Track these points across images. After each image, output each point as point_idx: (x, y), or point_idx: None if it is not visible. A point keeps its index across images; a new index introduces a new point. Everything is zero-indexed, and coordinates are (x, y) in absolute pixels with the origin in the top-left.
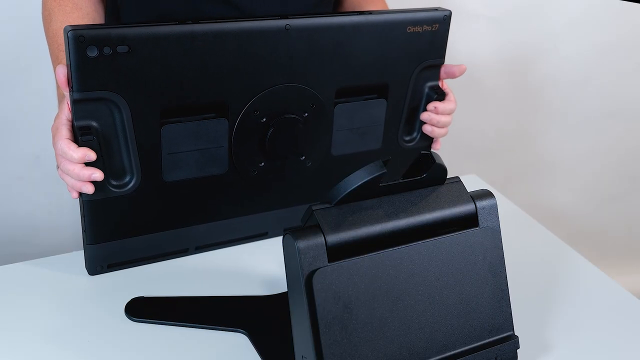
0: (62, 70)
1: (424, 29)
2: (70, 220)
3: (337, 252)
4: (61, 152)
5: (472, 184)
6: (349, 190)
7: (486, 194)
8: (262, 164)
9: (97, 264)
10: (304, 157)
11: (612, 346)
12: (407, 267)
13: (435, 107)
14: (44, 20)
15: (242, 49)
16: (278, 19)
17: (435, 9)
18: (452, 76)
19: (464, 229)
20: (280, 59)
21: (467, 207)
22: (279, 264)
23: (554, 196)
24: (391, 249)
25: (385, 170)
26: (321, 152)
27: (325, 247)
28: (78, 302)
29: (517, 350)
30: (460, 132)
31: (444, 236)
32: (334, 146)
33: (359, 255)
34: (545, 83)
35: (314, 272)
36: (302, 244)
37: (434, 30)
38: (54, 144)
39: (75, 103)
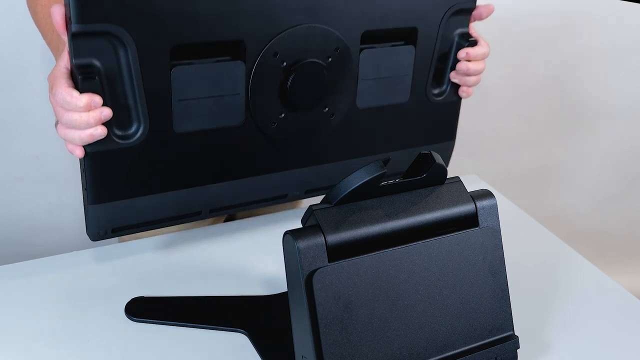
0: (59, 10)
1: None
2: (70, 220)
3: (337, 252)
4: (62, 102)
5: (472, 184)
6: (349, 190)
7: (486, 194)
8: (282, 114)
9: (100, 228)
10: (327, 109)
11: (612, 346)
12: (407, 267)
13: (467, 53)
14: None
15: None
16: None
17: None
18: (479, 18)
19: (464, 229)
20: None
21: (467, 207)
22: (279, 264)
23: (553, 196)
24: (391, 249)
25: (385, 170)
26: (345, 103)
27: (325, 247)
28: (78, 302)
29: (517, 350)
30: (460, 132)
31: (444, 236)
32: (359, 97)
33: (359, 255)
34: (545, 83)
35: (314, 272)
36: (302, 244)
37: None
38: (52, 94)
39: (74, 38)
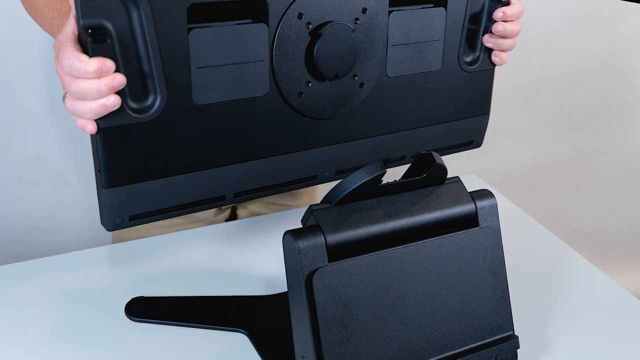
0: None
1: None
2: (70, 220)
3: (337, 252)
4: (70, 69)
5: (472, 184)
6: (349, 190)
7: (486, 194)
8: (309, 83)
9: (116, 215)
10: (356, 77)
11: (612, 346)
12: (407, 267)
13: (503, 13)
14: None
15: None
16: None
17: None
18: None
19: (464, 229)
20: None
21: (467, 207)
22: (279, 264)
23: (553, 196)
24: (391, 249)
25: (385, 170)
26: (375, 71)
27: (325, 247)
28: (78, 302)
29: (517, 350)
30: None
31: (444, 236)
32: (389, 65)
33: (359, 255)
34: (545, 83)
35: (314, 272)
36: (302, 244)
37: None
38: (58, 62)
39: None
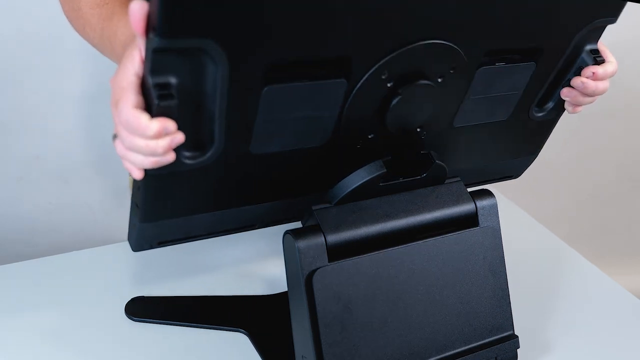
0: (140, 7)
1: None
2: (70, 220)
3: (337, 252)
4: (127, 125)
5: None
6: (349, 189)
7: (486, 194)
8: (372, 135)
9: (145, 242)
10: (420, 129)
11: (612, 346)
12: (407, 267)
13: (593, 73)
14: None
15: None
16: None
17: None
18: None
19: (464, 229)
20: (428, 7)
21: (467, 207)
22: (279, 264)
23: (554, 196)
24: (391, 248)
25: (386, 170)
26: (443, 123)
27: (325, 247)
28: (78, 302)
29: (517, 350)
30: None
31: (444, 236)
32: (459, 116)
33: (359, 255)
34: None
35: (314, 271)
36: (302, 243)
37: None
38: (116, 110)
39: (156, 53)
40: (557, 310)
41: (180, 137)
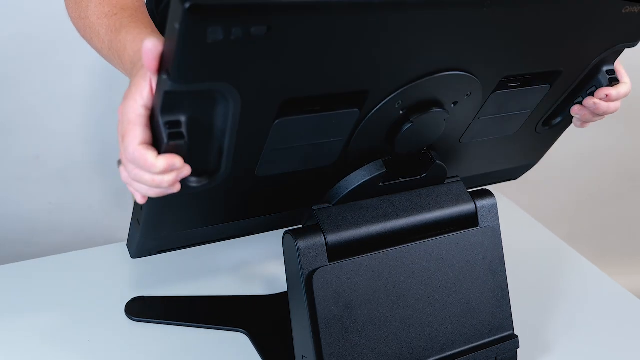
0: (154, 46)
1: None
2: (70, 220)
3: (337, 252)
4: (133, 161)
5: None
6: (349, 189)
7: (486, 194)
8: (378, 156)
9: (145, 251)
10: (427, 149)
11: (612, 346)
12: (407, 267)
13: (607, 95)
14: (78, 2)
15: (411, 32)
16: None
17: None
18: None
19: (464, 229)
20: (446, 41)
21: (467, 207)
22: (279, 264)
23: (554, 196)
24: (391, 248)
25: (385, 170)
26: (451, 142)
27: (325, 247)
28: (78, 302)
29: (517, 350)
30: None
31: (444, 236)
32: (467, 134)
33: (359, 255)
34: None
35: (314, 271)
36: (302, 243)
37: None
38: (122, 142)
39: (167, 94)
40: (557, 310)
41: (187, 171)
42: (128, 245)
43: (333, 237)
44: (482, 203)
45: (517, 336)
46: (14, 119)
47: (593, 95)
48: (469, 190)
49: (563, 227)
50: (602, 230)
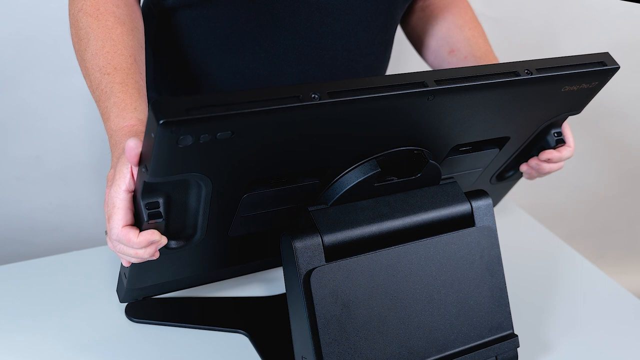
0: (135, 146)
1: (580, 87)
2: (70, 220)
3: (334, 252)
4: (118, 239)
5: None
6: (344, 190)
7: (481, 194)
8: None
9: (132, 298)
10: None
11: (612, 346)
12: (404, 266)
13: (548, 159)
14: (78, 40)
15: (363, 119)
16: (419, 89)
17: (602, 62)
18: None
19: (460, 229)
20: (401, 124)
21: (462, 207)
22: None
23: (554, 196)
24: (388, 248)
25: (380, 169)
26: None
27: (322, 247)
28: (78, 302)
29: (517, 349)
30: None
31: (441, 235)
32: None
33: (356, 255)
34: None
35: (311, 271)
36: (299, 243)
37: (590, 88)
38: (108, 224)
39: (146, 184)
40: (557, 310)
41: (164, 241)
42: (117, 291)
43: (329, 238)
44: (477, 203)
45: (516, 335)
46: (14, 119)
47: (538, 157)
48: (464, 191)
49: (563, 227)
50: (602, 230)
